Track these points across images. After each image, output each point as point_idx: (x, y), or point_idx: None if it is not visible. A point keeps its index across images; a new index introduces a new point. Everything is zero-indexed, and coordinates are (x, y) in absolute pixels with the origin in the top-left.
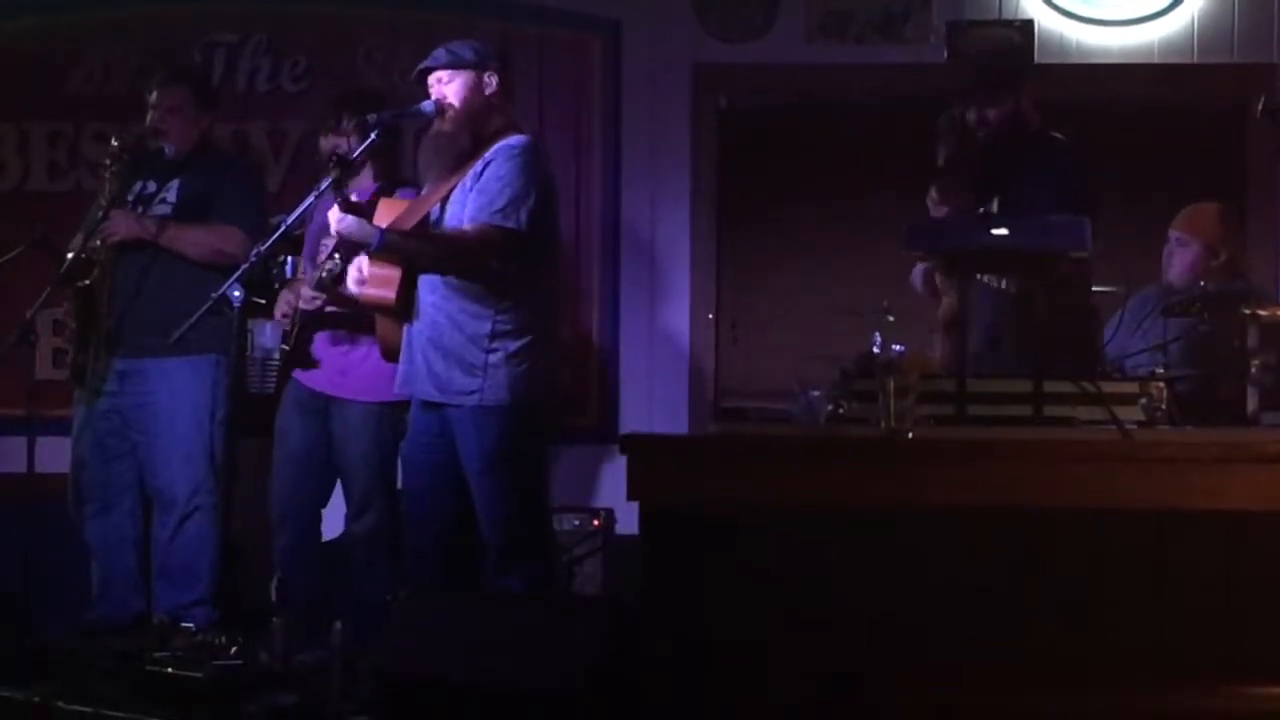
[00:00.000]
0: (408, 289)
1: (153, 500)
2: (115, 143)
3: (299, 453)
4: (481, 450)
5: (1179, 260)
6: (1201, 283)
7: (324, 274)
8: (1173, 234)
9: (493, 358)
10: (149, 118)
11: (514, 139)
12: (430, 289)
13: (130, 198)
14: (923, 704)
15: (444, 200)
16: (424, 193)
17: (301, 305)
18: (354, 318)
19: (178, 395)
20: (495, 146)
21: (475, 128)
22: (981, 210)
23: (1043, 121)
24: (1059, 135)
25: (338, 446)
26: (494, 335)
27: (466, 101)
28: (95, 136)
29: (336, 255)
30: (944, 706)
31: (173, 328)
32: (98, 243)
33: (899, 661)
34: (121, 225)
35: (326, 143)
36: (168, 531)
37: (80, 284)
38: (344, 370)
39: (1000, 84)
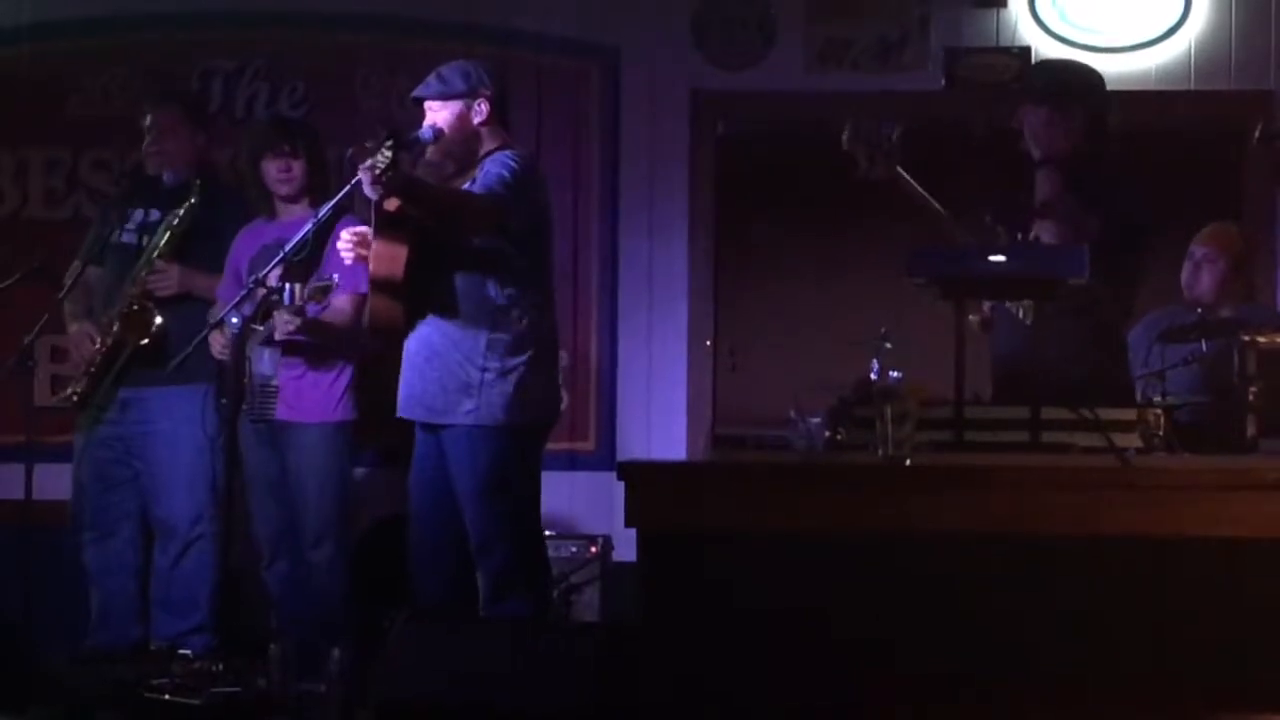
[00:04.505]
0: (413, 267)
1: (154, 529)
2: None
3: (269, 483)
4: (474, 471)
5: (1208, 276)
6: (1209, 304)
7: (305, 294)
8: (1198, 249)
9: (487, 376)
10: (145, 142)
11: (508, 150)
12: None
13: (133, 226)
14: None
15: None
16: None
17: (277, 334)
18: (322, 347)
19: (179, 423)
20: (490, 157)
21: (460, 156)
22: (1022, 234)
23: (1105, 151)
24: (1112, 165)
25: (291, 470)
26: (488, 353)
27: (453, 131)
28: (93, 163)
29: (293, 284)
30: None
31: (174, 356)
32: (137, 291)
33: (897, 688)
34: (174, 280)
35: (275, 165)
36: (168, 560)
37: (142, 342)
38: (299, 393)
39: (1064, 97)
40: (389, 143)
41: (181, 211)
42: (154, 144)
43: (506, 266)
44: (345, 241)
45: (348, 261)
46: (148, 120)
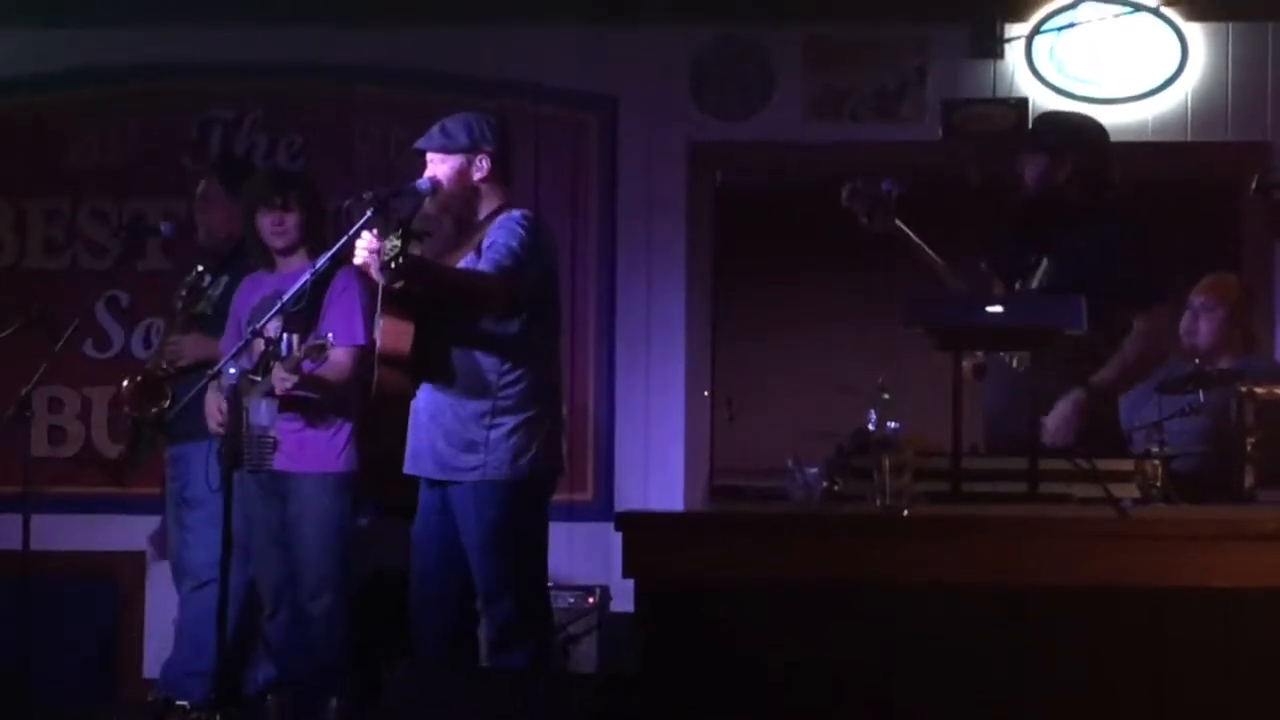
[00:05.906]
0: (420, 343)
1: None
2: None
3: (271, 534)
4: (482, 525)
5: (1205, 325)
6: (1207, 353)
7: (301, 351)
8: (1196, 299)
9: (494, 434)
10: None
11: (515, 211)
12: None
13: (184, 291)
14: None
15: None
16: None
17: (276, 389)
18: (321, 402)
19: (198, 477)
20: (497, 220)
21: (457, 212)
22: (1018, 283)
23: (1097, 199)
24: (1110, 214)
25: (292, 521)
26: (495, 412)
27: (451, 185)
28: (91, 213)
29: (291, 335)
30: None
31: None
32: (165, 364)
33: None
34: (188, 350)
35: (269, 219)
36: (182, 596)
37: (156, 409)
38: (300, 444)
39: (1038, 140)
40: (399, 231)
41: (189, 288)
42: (197, 212)
43: (512, 334)
44: (363, 240)
45: (357, 262)
46: (200, 187)
